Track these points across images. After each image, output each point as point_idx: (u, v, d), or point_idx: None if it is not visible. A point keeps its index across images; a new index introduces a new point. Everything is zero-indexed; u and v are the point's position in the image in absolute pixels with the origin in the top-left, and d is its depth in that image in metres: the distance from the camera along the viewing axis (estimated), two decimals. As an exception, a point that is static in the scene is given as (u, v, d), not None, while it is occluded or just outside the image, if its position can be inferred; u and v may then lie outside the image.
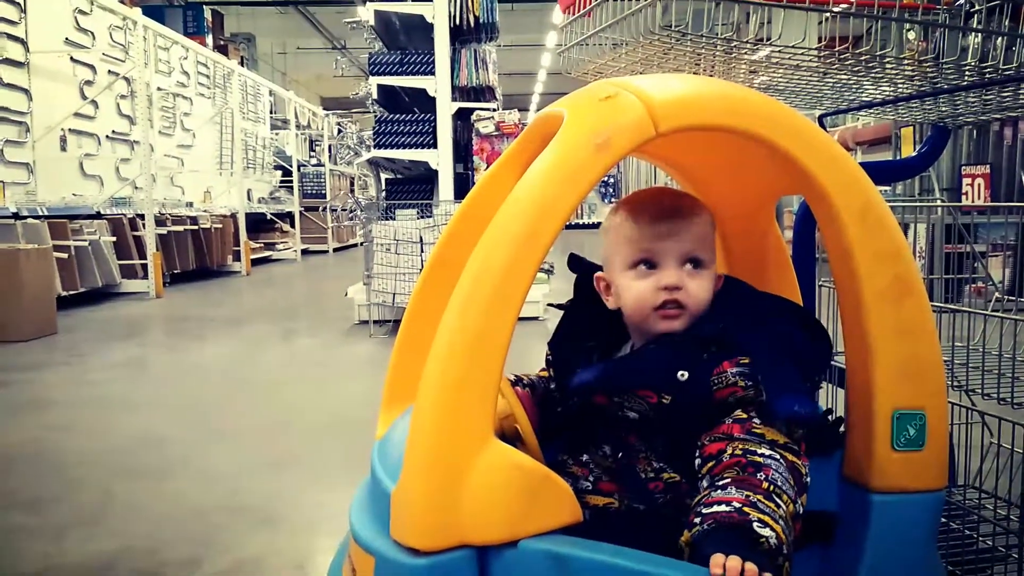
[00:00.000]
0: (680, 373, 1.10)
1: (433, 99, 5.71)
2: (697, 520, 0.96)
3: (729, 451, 1.03)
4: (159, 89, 9.94)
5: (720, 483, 0.99)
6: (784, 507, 0.96)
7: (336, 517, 2.22)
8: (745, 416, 1.06)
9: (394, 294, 5.38)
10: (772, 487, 0.97)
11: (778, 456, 1.01)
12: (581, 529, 1.04)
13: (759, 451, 1.01)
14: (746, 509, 0.93)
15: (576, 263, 1.32)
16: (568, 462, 1.22)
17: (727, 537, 0.92)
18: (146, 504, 2.37)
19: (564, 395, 1.26)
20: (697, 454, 1.07)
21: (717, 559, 0.89)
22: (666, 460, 1.13)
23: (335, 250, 15.04)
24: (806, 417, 1.05)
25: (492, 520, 0.95)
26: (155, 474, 2.64)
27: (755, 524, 0.92)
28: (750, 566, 0.88)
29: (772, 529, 0.92)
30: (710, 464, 1.03)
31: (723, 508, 0.94)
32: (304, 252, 13.85)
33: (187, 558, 2.00)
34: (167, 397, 3.82)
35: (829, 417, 1.25)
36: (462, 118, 6.13)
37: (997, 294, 2.02)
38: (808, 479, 1.03)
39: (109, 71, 8.68)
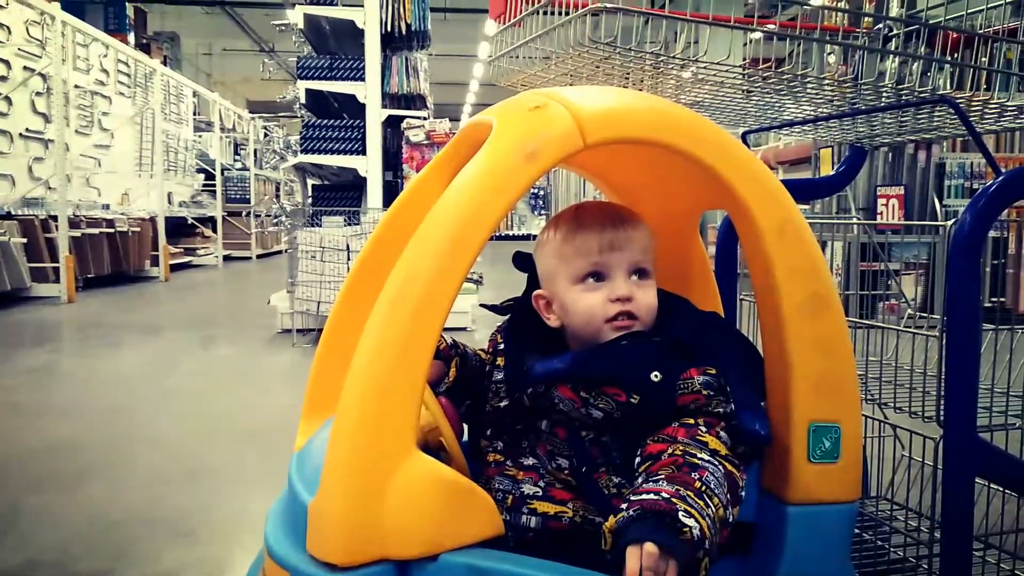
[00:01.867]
0: (654, 374, 1.09)
1: (363, 105, 5.66)
2: (624, 506, 0.95)
3: (669, 451, 1.03)
4: (77, 87, 9.60)
5: (653, 478, 0.99)
6: (713, 508, 0.96)
7: (254, 529, 2.17)
8: (692, 422, 1.07)
9: (319, 303, 5.29)
10: (704, 487, 0.97)
11: (717, 463, 1.02)
12: (526, 537, 1.03)
13: (699, 455, 1.02)
14: (674, 500, 0.94)
15: (521, 260, 1.31)
16: (506, 463, 1.19)
17: (650, 524, 0.92)
18: (56, 515, 2.27)
19: (512, 388, 1.22)
20: (638, 453, 1.07)
21: (632, 551, 0.90)
22: (623, 474, 1.11)
23: (259, 256, 14.75)
24: (764, 438, 1.08)
25: (413, 533, 0.93)
26: (66, 484, 2.54)
27: (680, 513, 0.92)
28: (668, 558, 0.89)
29: (697, 522, 0.92)
30: (648, 463, 1.04)
31: (651, 496, 0.94)
32: (226, 258, 13.54)
33: (98, 571, 1.92)
34: (79, 405, 3.68)
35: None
36: (392, 126, 6.09)
37: (909, 311, 2.09)
38: (743, 492, 1.04)
39: (24, 67, 8.35)
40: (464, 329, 5.61)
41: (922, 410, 1.59)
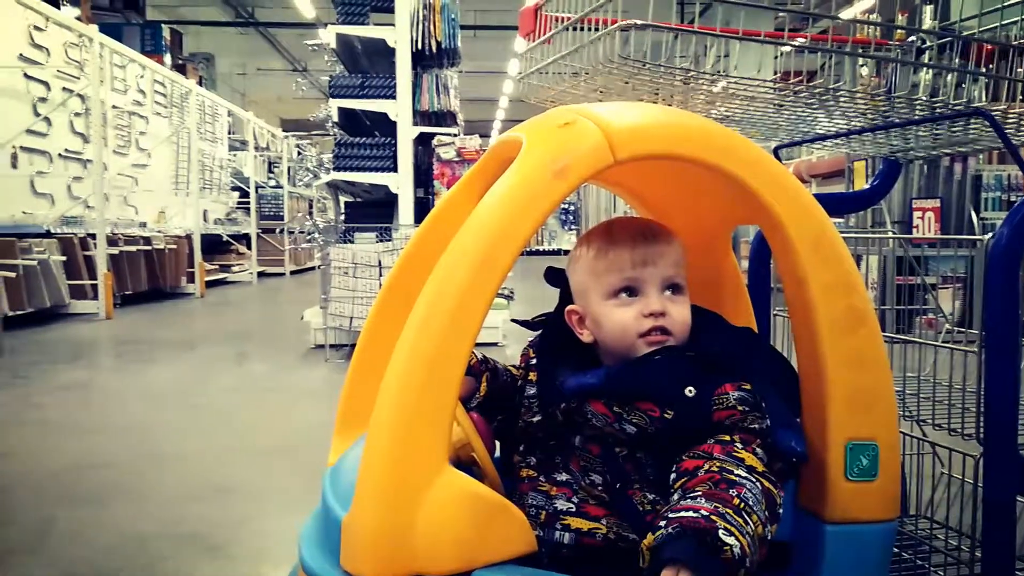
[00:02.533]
0: (688, 389, 1.09)
1: (394, 123, 5.70)
2: (662, 523, 0.94)
3: (705, 467, 1.02)
4: (114, 107, 9.79)
5: (691, 495, 0.98)
6: (753, 526, 0.95)
7: (284, 545, 2.18)
8: (728, 439, 1.06)
9: (351, 318, 5.33)
10: (743, 504, 0.96)
11: (754, 480, 1.00)
12: (559, 553, 1.02)
13: (736, 471, 1.00)
14: (713, 518, 0.92)
15: (553, 276, 1.30)
16: (539, 479, 1.18)
17: (690, 542, 0.90)
18: (88, 531, 2.30)
19: (545, 403, 1.21)
20: (673, 469, 1.06)
21: (668, 573, 0.88)
22: (658, 491, 1.10)
23: (292, 273, 14.90)
24: (800, 455, 1.06)
25: (445, 550, 0.93)
26: (98, 500, 2.57)
27: (721, 532, 0.91)
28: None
29: (738, 540, 0.91)
30: (684, 479, 1.02)
31: (690, 514, 0.93)
32: (260, 274, 13.70)
33: (130, 588, 1.94)
34: (113, 421, 3.73)
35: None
36: (423, 143, 6.13)
37: (948, 326, 2.06)
38: (781, 509, 1.03)
39: (64, 88, 8.53)
40: (495, 344, 5.62)
41: (962, 427, 1.56)
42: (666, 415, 1.09)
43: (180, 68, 13.31)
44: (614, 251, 1.17)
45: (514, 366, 1.35)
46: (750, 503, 0.97)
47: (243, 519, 2.40)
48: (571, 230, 23.51)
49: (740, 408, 1.08)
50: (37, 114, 8.09)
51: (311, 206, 16.19)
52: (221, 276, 12.48)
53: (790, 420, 1.10)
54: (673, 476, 1.05)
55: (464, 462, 1.14)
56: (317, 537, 1.07)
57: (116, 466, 2.93)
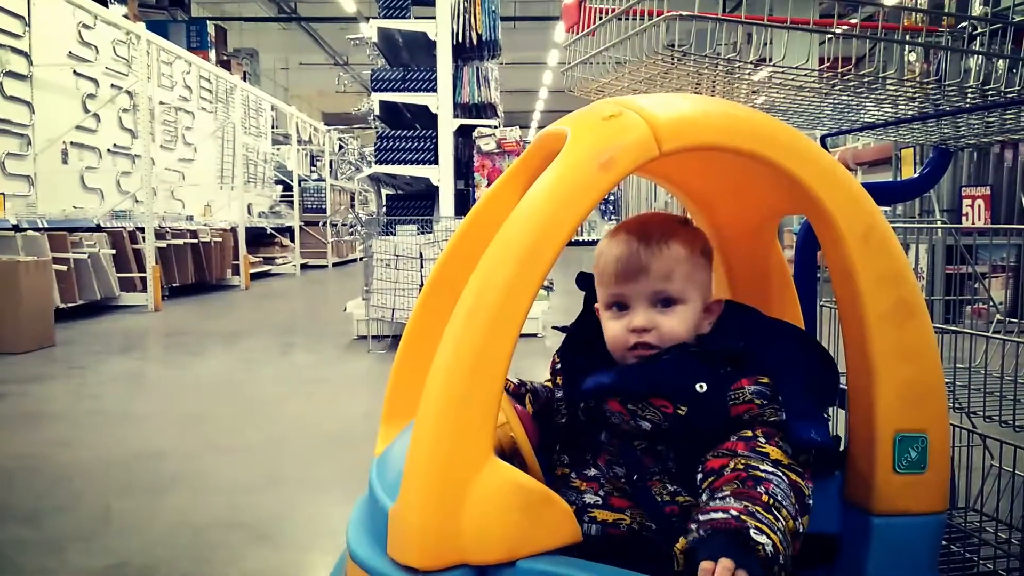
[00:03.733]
0: (699, 385, 1.10)
1: (435, 116, 5.73)
2: (694, 527, 0.95)
3: (731, 465, 1.03)
4: (161, 103, 9.96)
5: (719, 495, 0.99)
6: (783, 521, 0.95)
7: (333, 534, 2.21)
8: (751, 434, 1.07)
9: (393, 309, 5.37)
10: (772, 500, 0.96)
11: (780, 473, 1.01)
12: (588, 544, 1.03)
13: (761, 467, 1.01)
14: (743, 517, 0.93)
15: (584, 281, 1.32)
16: (571, 476, 1.20)
17: (723, 543, 0.91)
18: (144, 520, 2.36)
19: (570, 403, 1.24)
20: (699, 469, 1.07)
21: (706, 566, 0.89)
22: (679, 482, 1.11)
23: (334, 265, 15.04)
24: (820, 444, 1.06)
25: (491, 539, 0.94)
26: (153, 489, 2.63)
27: (752, 531, 0.91)
28: (741, 573, 0.88)
29: (769, 538, 0.91)
30: (711, 479, 1.03)
31: (720, 515, 0.94)
32: (303, 267, 13.85)
33: (184, 575, 1.98)
34: (165, 411, 3.81)
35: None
36: (463, 135, 6.15)
37: (998, 316, 2.02)
38: (811, 501, 1.03)
39: (112, 85, 8.70)
40: (535, 335, 5.63)
41: (1012, 419, 1.54)
42: (679, 411, 1.10)
43: (225, 64, 13.49)
44: (604, 264, 1.19)
45: (548, 381, 1.37)
46: (778, 498, 0.97)
47: (293, 508, 2.44)
48: (611, 220, 23.41)
49: (757, 402, 1.09)
50: (86, 110, 8.27)
51: (353, 199, 16.34)
52: (265, 268, 12.66)
53: (809, 410, 1.10)
54: (700, 476, 1.06)
55: (507, 454, 1.15)
56: (364, 526, 1.09)
57: (170, 456, 3.00)
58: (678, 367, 1.13)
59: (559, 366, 1.31)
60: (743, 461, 1.02)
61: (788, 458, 1.04)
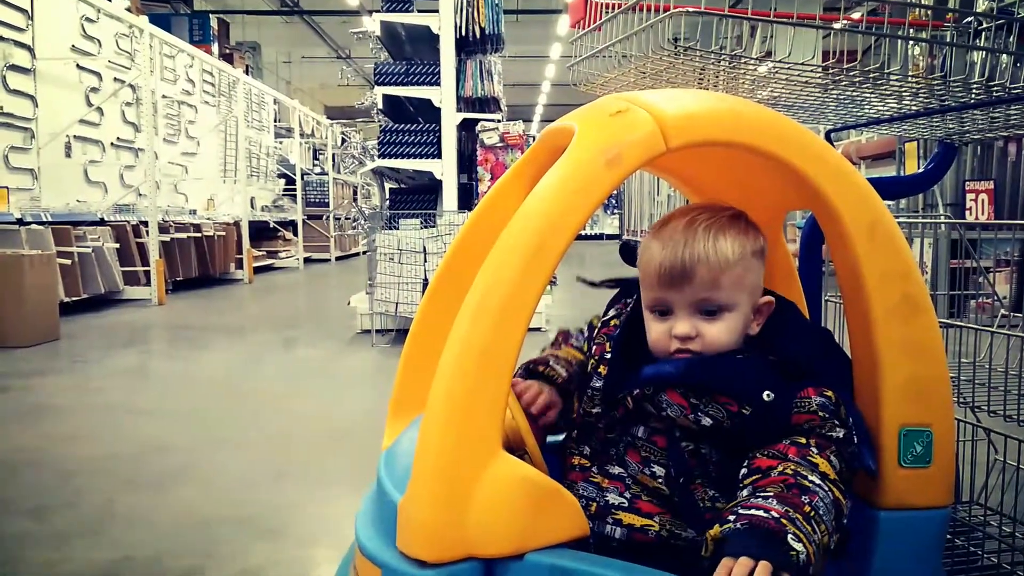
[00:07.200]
0: (766, 393, 1.07)
1: (438, 109, 5.73)
2: (731, 518, 0.94)
3: (780, 468, 1.01)
4: (164, 97, 9.96)
5: (762, 494, 0.97)
6: (819, 535, 0.94)
7: (339, 528, 2.22)
8: (804, 441, 1.04)
9: (397, 303, 5.38)
10: (814, 512, 0.95)
11: (827, 488, 0.99)
12: (608, 547, 1.03)
13: (810, 477, 0.99)
14: (784, 521, 0.92)
15: (628, 251, 1.28)
16: (592, 470, 1.16)
17: (759, 540, 0.90)
18: (148, 513, 2.37)
19: (612, 389, 1.17)
20: (745, 464, 1.05)
21: (726, 562, 0.88)
22: (718, 487, 1.09)
23: (337, 259, 15.05)
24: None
25: (499, 533, 0.95)
26: (158, 483, 2.64)
27: (789, 536, 0.91)
28: (764, 563, 0.87)
29: (805, 547, 0.91)
30: (756, 476, 1.02)
31: (760, 513, 0.93)
32: (307, 260, 13.86)
33: (189, 569, 2.00)
34: (170, 405, 3.82)
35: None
36: (467, 129, 6.14)
37: (1003, 310, 2.02)
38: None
39: (115, 78, 8.71)
40: (539, 329, 5.63)
41: (1017, 413, 1.54)
42: (744, 411, 1.07)
43: (227, 57, 13.49)
44: (648, 266, 1.14)
45: (578, 349, 1.33)
46: (820, 512, 0.96)
47: (299, 502, 2.45)
48: (614, 214, 23.39)
49: (820, 414, 1.06)
50: (90, 104, 8.28)
51: (356, 193, 16.33)
52: (268, 262, 12.67)
53: (865, 433, 1.08)
54: (744, 471, 1.04)
55: (513, 446, 1.16)
56: (373, 519, 1.09)
57: (175, 450, 3.01)
58: (750, 370, 1.10)
59: (608, 356, 1.22)
60: (792, 467, 1.01)
61: (835, 473, 1.02)
